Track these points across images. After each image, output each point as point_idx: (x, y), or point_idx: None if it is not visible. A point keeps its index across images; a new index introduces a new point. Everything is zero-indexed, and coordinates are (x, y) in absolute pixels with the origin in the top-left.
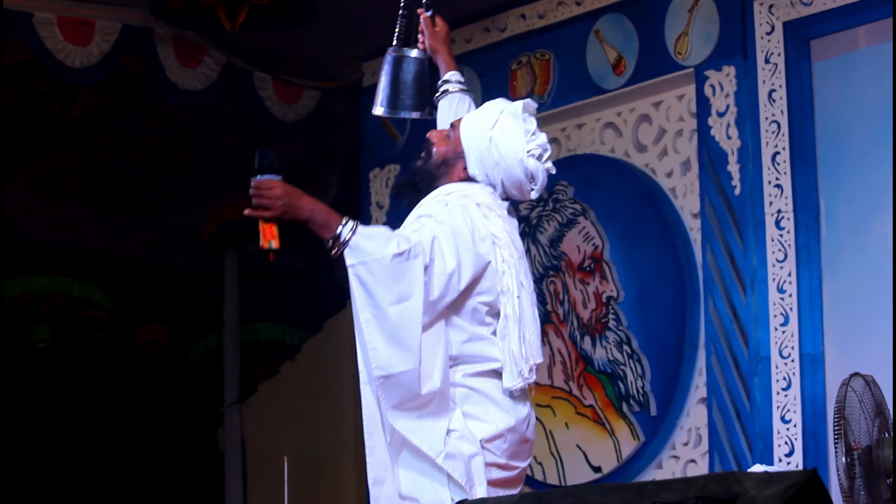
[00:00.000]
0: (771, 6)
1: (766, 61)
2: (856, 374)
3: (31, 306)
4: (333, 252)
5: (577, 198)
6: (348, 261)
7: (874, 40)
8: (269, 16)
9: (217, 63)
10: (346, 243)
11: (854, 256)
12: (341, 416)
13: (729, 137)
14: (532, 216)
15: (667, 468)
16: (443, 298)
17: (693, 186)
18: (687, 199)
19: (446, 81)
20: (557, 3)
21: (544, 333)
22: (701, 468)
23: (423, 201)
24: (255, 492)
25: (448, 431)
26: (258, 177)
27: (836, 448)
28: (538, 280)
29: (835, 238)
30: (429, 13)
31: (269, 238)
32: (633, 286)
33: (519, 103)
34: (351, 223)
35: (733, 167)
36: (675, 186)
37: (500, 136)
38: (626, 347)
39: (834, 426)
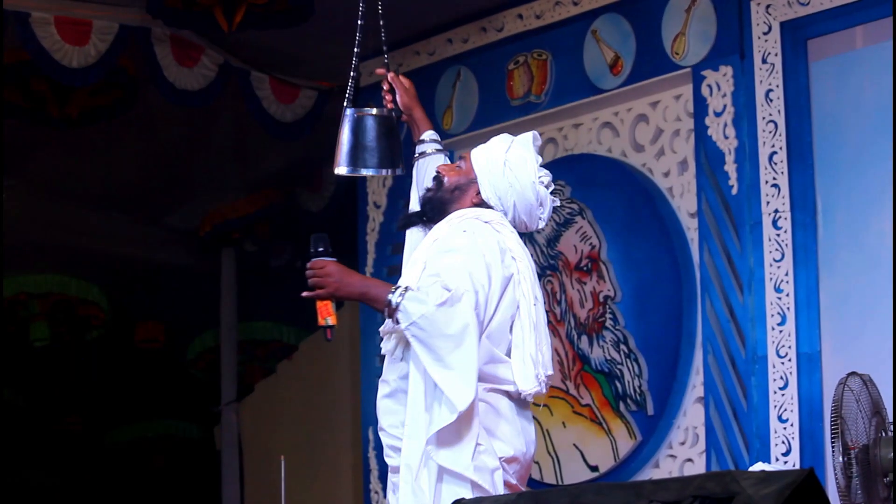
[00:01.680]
0: (768, 6)
1: (764, 61)
2: (853, 374)
3: (27, 305)
4: (393, 321)
5: (574, 197)
6: (402, 325)
7: (871, 40)
8: (266, 15)
9: (214, 63)
10: (397, 308)
11: (851, 256)
12: (338, 415)
13: (726, 137)
14: None
15: (664, 467)
16: (484, 321)
17: (690, 186)
18: (684, 199)
19: (422, 142)
20: (554, 3)
21: None
22: (698, 467)
23: (436, 229)
24: (251, 491)
25: (476, 445)
26: (313, 259)
27: (833, 447)
28: None
29: (832, 237)
30: (392, 72)
31: (326, 315)
32: (631, 286)
33: (528, 134)
34: (400, 289)
35: (730, 167)
36: (672, 186)
37: (514, 161)
38: (623, 347)
39: (831, 425)
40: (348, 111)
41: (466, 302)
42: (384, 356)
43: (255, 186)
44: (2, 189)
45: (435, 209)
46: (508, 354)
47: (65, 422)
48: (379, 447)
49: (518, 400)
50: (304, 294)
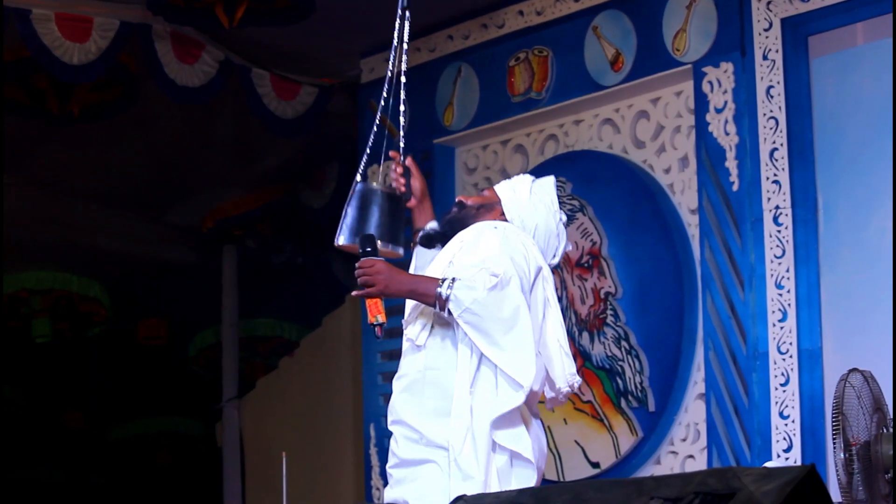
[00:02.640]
0: (769, 2)
1: (764, 58)
2: (854, 370)
3: (29, 301)
4: (444, 313)
5: (575, 194)
6: (454, 313)
7: (872, 37)
8: (266, 12)
9: (215, 59)
10: (447, 299)
11: (852, 252)
12: (340, 412)
13: (727, 134)
14: None
15: (665, 464)
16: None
17: (691, 183)
18: (685, 196)
19: (423, 230)
20: (555, 0)
21: None
22: (699, 464)
23: (462, 234)
24: (253, 487)
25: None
26: (361, 258)
27: (834, 444)
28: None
29: (833, 234)
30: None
31: (376, 313)
32: (632, 282)
33: (550, 177)
34: (448, 281)
35: (731, 163)
36: (672, 183)
37: (538, 191)
38: (624, 343)
39: (832, 422)
40: (358, 185)
41: (515, 285)
42: (386, 353)
43: (257, 183)
44: (2, 187)
45: (456, 228)
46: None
47: (66, 418)
48: (380, 443)
49: (531, 407)
50: (355, 293)
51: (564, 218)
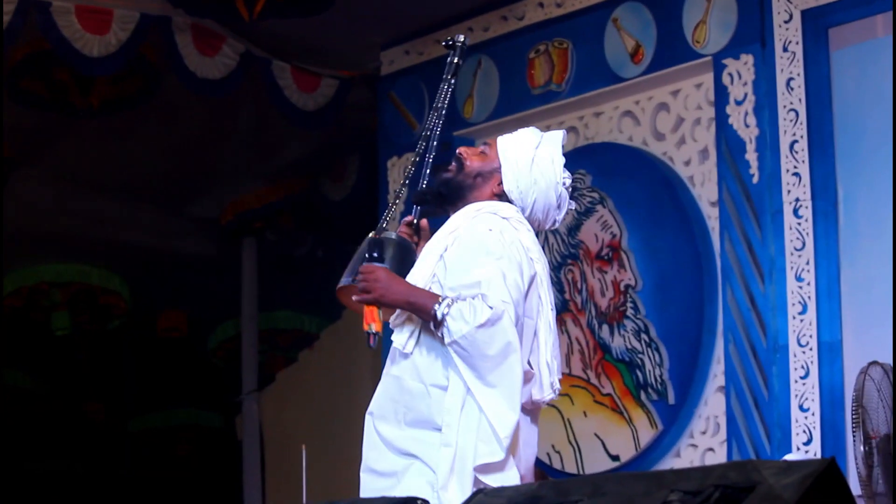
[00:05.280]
0: None
1: (784, 49)
2: (874, 363)
3: (49, 294)
4: (439, 333)
5: (595, 186)
6: (445, 340)
7: (892, 29)
8: (286, 4)
9: (235, 52)
10: (442, 322)
11: (872, 244)
12: (360, 404)
13: (747, 126)
14: None
15: (685, 457)
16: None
17: (711, 175)
18: (705, 188)
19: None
20: None
21: (562, 322)
22: (719, 457)
23: (453, 221)
24: (273, 480)
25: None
26: (364, 263)
27: (854, 437)
28: (556, 269)
29: (853, 226)
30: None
31: (370, 321)
32: (651, 274)
33: (559, 133)
34: (447, 301)
35: (751, 155)
36: (693, 175)
37: (542, 157)
38: (644, 336)
39: (852, 415)
40: (370, 235)
41: (507, 319)
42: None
43: (277, 175)
44: (3, 185)
45: (452, 192)
46: (528, 362)
47: (87, 410)
48: None
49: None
50: (354, 298)
51: (568, 181)
